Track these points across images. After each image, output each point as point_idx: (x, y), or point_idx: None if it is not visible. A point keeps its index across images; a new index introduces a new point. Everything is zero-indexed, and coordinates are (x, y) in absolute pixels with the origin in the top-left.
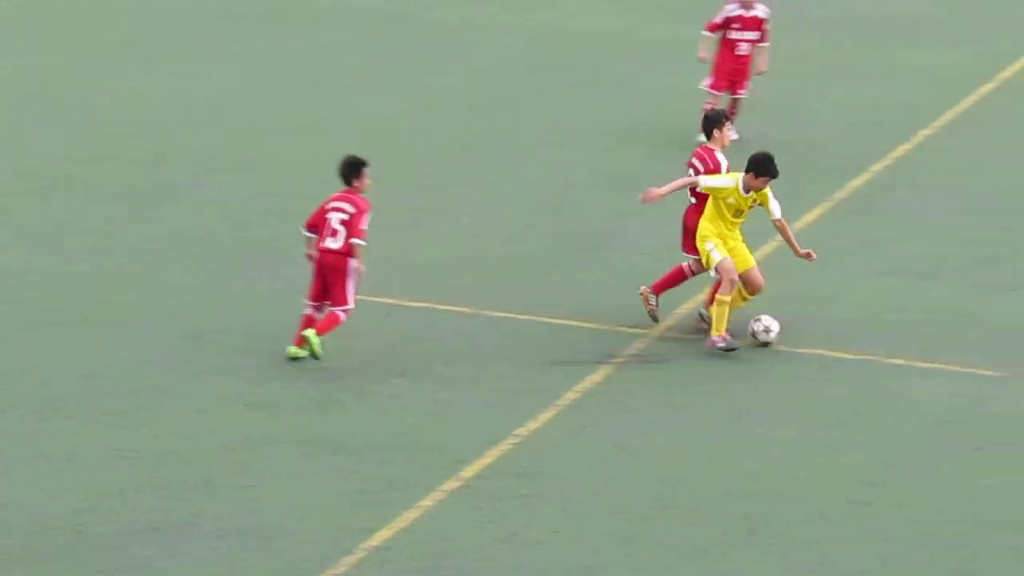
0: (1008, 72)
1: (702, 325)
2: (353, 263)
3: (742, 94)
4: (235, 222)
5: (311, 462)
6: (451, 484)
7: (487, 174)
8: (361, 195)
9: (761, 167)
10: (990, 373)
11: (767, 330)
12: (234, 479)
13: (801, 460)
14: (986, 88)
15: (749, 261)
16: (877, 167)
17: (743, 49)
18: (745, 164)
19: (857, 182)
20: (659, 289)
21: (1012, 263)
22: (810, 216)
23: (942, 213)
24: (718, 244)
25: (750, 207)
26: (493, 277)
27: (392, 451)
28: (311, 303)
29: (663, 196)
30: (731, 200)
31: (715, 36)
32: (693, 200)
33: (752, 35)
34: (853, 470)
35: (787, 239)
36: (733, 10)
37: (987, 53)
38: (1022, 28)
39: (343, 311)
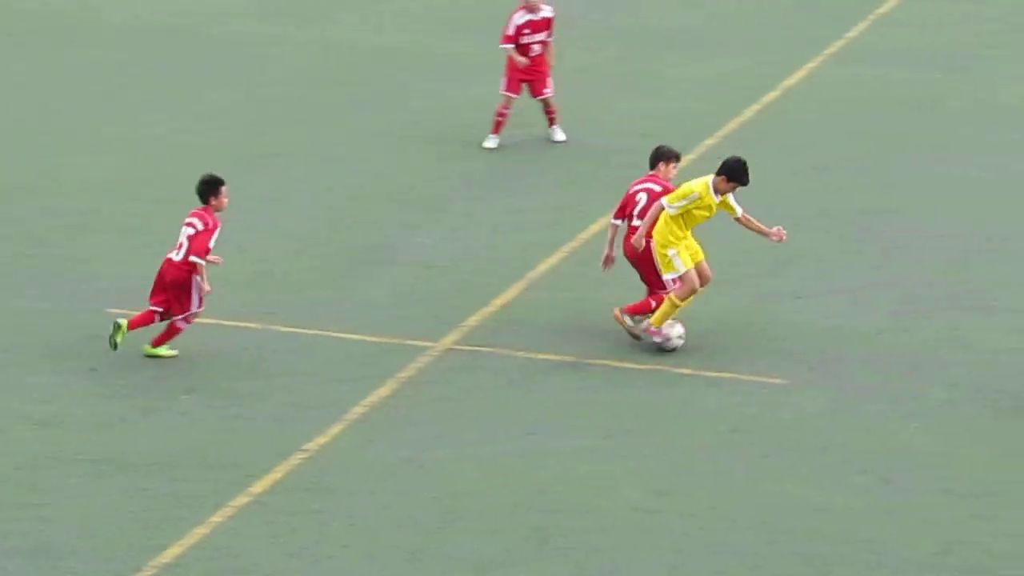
0: (791, 80)
1: (635, 330)
2: (196, 278)
3: (547, 93)
4: (18, 241)
5: (100, 480)
6: (241, 500)
7: (271, 189)
8: (216, 213)
9: (735, 174)
10: (777, 381)
11: (680, 336)
12: (22, 498)
13: (592, 470)
14: (769, 97)
15: (699, 253)
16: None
17: (536, 51)
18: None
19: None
20: (633, 311)
21: (796, 271)
22: (596, 227)
23: (727, 222)
24: (681, 252)
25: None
26: (279, 292)
27: (182, 468)
28: (151, 305)
29: (643, 241)
30: (703, 207)
31: (511, 45)
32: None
33: (542, 35)
34: (644, 479)
35: (756, 229)
36: (521, 17)
37: (770, 63)
38: (803, 38)
39: (182, 320)
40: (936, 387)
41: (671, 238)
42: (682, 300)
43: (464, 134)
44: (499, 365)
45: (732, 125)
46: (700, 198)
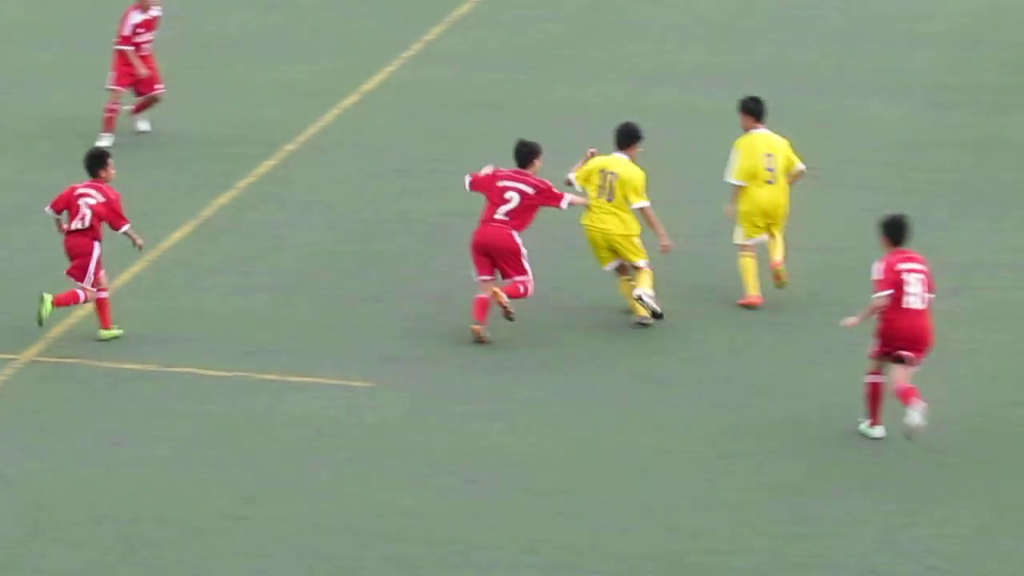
0: (369, 84)
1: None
2: (97, 246)
3: (159, 89)
4: None
5: None
6: None
7: None
8: (108, 184)
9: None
10: (362, 384)
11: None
12: None
13: (178, 479)
14: (348, 101)
15: None
16: (242, 184)
17: (147, 49)
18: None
19: (223, 199)
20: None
21: (378, 273)
22: (177, 235)
23: (307, 227)
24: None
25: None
26: None
27: None
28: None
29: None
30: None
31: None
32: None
33: (152, 34)
34: (231, 486)
35: (653, 226)
36: (136, 16)
37: (348, 67)
38: (381, 41)
39: (82, 289)
40: (516, 386)
41: (636, 227)
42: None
43: (40, 146)
44: (84, 375)
45: (312, 130)
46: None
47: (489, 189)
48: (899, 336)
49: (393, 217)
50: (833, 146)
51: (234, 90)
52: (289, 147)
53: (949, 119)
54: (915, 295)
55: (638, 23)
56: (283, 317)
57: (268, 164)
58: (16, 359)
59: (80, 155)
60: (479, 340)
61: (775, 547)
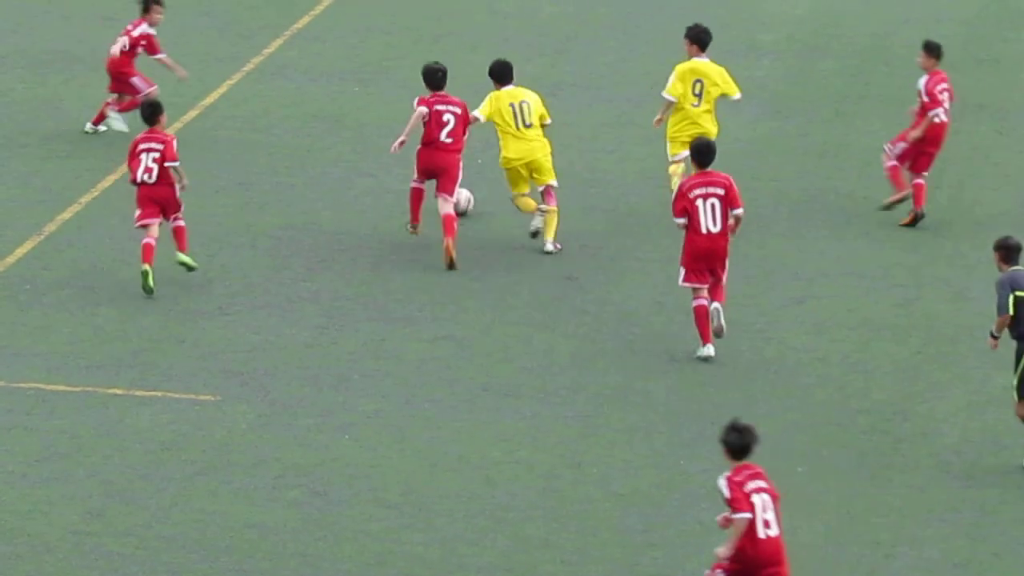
0: (210, 99)
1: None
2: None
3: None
4: None
5: None
6: None
7: None
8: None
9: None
10: (209, 397)
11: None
12: None
13: (24, 495)
14: (189, 115)
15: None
16: (86, 198)
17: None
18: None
19: (67, 214)
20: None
21: (223, 286)
22: (20, 250)
23: None
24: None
25: None
26: None
27: None
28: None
29: None
30: None
31: None
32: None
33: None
34: (78, 501)
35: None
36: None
37: (188, 81)
38: (220, 56)
39: (179, 217)
40: (362, 399)
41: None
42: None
43: None
44: None
45: None
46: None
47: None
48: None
49: (237, 230)
50: None
51: (77, 105)
52: None
53: (789, 127)
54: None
55: (477, 34)
56: (129, 331)
57: (111, 178)
58: None
59: None
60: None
61: (626, 557)
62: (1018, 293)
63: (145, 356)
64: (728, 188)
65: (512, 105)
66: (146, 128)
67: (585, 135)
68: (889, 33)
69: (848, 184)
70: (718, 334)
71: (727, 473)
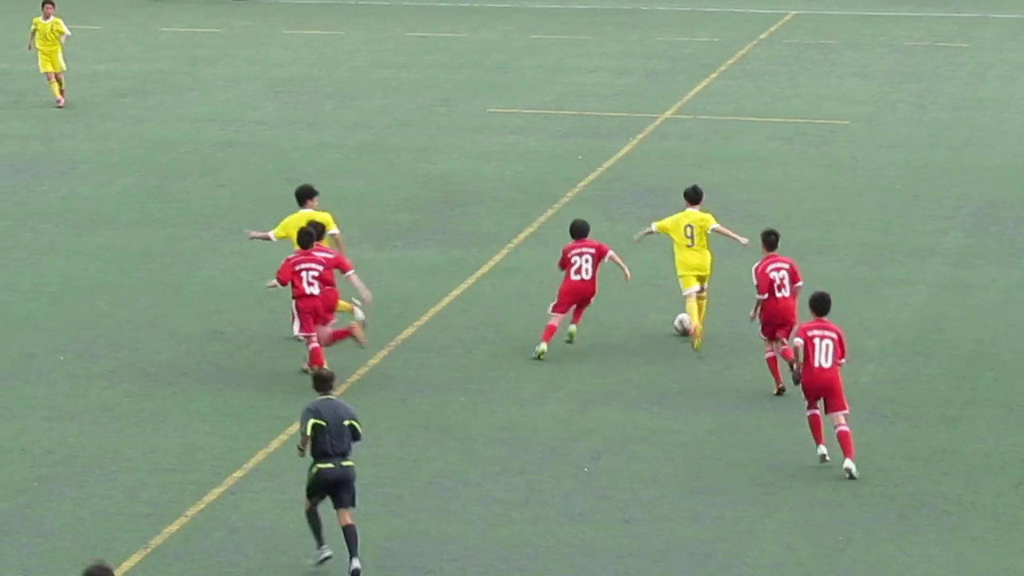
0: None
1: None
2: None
3: None
4: None
5: None
6: None
7: None
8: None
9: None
10: None
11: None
12: None
13: None
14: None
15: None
16: (192, 511)
17: None
18: None
19: (172, 527)
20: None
21: None
22: (127, 564)
23: None
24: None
25: None
26: None
27: None
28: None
29: None
30: None
31: None
32: None
33: None
34: None
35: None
36: None
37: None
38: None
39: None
40: None
41: None
42: None
43: None
44: None
45: None
46: None
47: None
48: None
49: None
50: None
51: (180, 419)
52: None
53: (895, 432)
54: None
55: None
56: None
57: (217, 491)
58: None
59: None
60: None
61: None
62: None
63: None
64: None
65: None
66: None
67: None
68: (995, 339)
69: (956, 489)
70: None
71: None
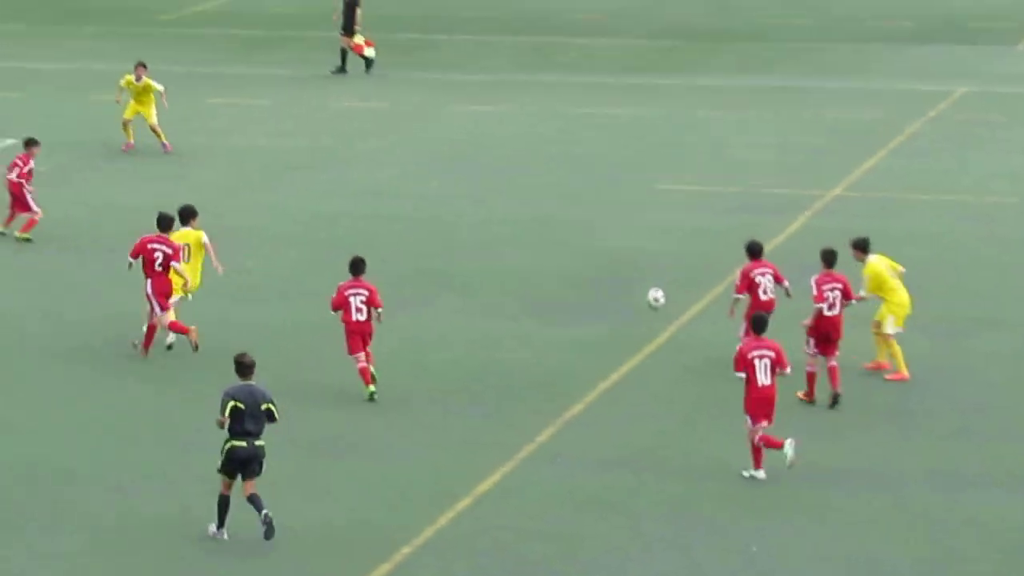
0: (482, 487)
1: None
2: None
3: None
4: None
5: None
6: None
7: None
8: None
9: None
10: None
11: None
12: None
13: None
14: (461, 504)
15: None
16: None
17: None
18: None
19: None
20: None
21: None
22: None
23: None
24: None
25: None
26: None
27: None
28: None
29: None
30: None
31: None
32: None
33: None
34: None
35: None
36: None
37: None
38: (485, 444)
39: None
40: None
41: None
42: None
43: None
44: None
45: None
46: None
47: None
48: None
49: None
50: None
51: None
52: None
53: None
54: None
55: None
56: None
57: None
58: None
59: None
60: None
61: None
62: None
63: None
64: None
65: None
66: None
67: None
68: None
69: None
70: None
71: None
